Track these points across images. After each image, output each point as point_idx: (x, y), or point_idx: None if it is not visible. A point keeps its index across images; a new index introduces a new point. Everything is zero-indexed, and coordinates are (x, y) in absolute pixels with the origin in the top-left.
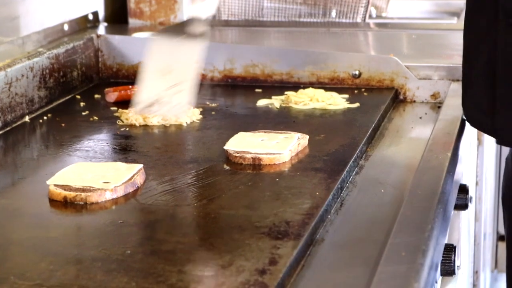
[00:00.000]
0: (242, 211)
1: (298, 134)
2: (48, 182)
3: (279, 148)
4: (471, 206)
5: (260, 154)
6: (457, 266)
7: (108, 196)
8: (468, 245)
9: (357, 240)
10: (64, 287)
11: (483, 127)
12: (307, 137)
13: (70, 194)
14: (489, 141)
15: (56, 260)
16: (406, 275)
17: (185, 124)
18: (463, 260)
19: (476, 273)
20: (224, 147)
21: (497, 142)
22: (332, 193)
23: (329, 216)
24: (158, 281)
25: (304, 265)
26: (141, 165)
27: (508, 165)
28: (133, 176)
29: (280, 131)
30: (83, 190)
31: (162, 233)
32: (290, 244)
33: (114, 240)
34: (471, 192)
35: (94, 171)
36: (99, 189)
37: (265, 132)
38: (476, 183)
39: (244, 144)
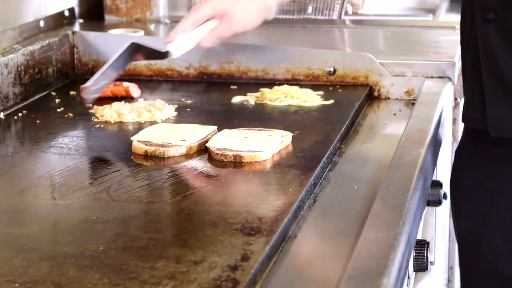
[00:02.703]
0: (216, 208)
1: (282, 132)
2: (132, 138)
3: (261, 145)
4: (446, 202)
5: (241, 151)
6: (430, 262)
7: (183, 151)
8: (443, 241)
9: (329, 236)
10: (37, 283)
11: (477, 124)
12: (291, 134)
13: (150, 149)
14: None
15: (29, 257)
16: (376, 270)
17: (159, 121)
18: (437, 256)
19: (451, 268)
20: (207, 144)
21: (492, 135)
22: (305, 190)
23: (302, 212)
24: (131, 277)
25: (276, 261)
26: (215, 127)
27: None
28: (207, 135)
29: (264, 129)
30: (162, 145)
31: (135, 229)
32: (263, 240)
33: (87, 236)
34: (445, 188)
35: (174, 130)
36: (175, 145)
37: (249, 129)
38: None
39: (227, 141)
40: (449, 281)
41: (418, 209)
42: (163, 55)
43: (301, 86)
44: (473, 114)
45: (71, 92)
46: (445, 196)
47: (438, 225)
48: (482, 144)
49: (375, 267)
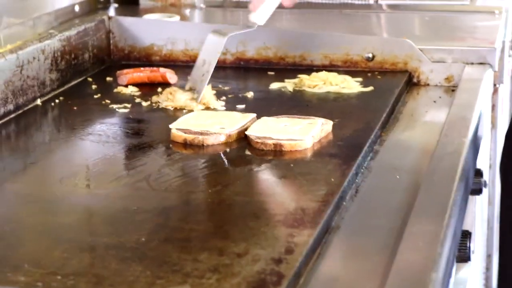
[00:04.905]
0: (257, 198)
1: (322, 120)
2: (170, 126)
3: (301, 134)
4: (485, 190)
5: (281, 140)
6: (472, 251)
7: (223, 139)
8: (482, 229)
9: (373, 228)
10: (79, 275)
11: None
12: (331, 122)
13: (190, 137)
14: (503, 124)
15: (70, 248)
16: (424, 264)
17: (198, 108)
18: (477, 244)
19: (489, 257)
20: (246, 133)
21: None
22: (347, 180)
23: (344, 203)
24: (173, 270)
25: (320, 254)
26: (254, 114)
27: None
28: (246, 123)
29: (304, 117)
30: (201, 133)
31: (176, 220)
32: (306, 232)
33: (128, 227)
34: (485, 176)
35: (212, 118)
36: (215, 133)
37: (288, 117)
38: (490, 167)
39: (266, 129)
40: (487, 269)
41: (463, 200)
42: (250, 28)
43: (339, 72)
44: None
45: (108, 78)
46: (485, 184)
47: (477, 214)
48: None
49: (423, 261)
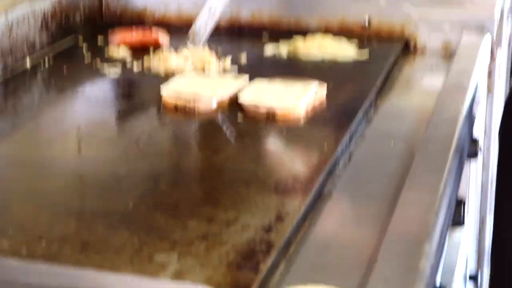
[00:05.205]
0: (248, 165)
1: (316, 84)
2: (161, 90)
3: (295, 99)
4: (480, 155)
5: (274, 106)
6: (466, 213)
7: (214, 103)
8: (475, 192)
9: (366, 196)
10: (64, 240)
11: None
12: (325, 87)
13: (181, 101)
14: (499, 90)
15: (57, 212)
16: (418, 234)
17: (190, 72)
18: (470, 207)
19: (482, 220)
20: (238, 100)
21: None
22: (340, 146)
23: (337, 171)
24: (161, 237)
25: (311, 222)
26: (247, 77)
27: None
28: (239, 87)
29: (297, 80)
30: (192, 98)
31: (165, 186)
32: (297, 199)
33: (116, 192)
34: (480, 141)
35: (204, 82)
36: (206, 97)
37: (282, 80)
38: (485, 132)
39: (259, 94)
40: (480, 231)
41: (459, 168)
42: None
43: (335, 37)
44: None
45: (99, 40)
46: (480, 150)
47: (472, 179)
48: None
49: (417, 231)
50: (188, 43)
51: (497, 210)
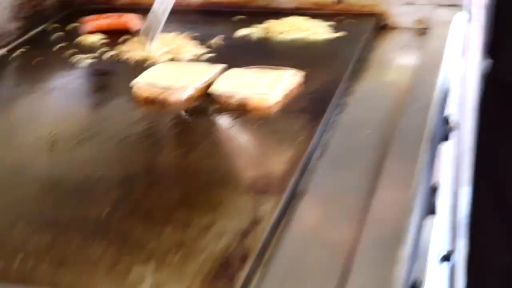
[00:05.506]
0: (223, 162)
1: (292, 71)
2: (133, 81)
3: (269, 87)
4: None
5: (247, 95)
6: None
7: (188, 94)
8: (450, 162)
9: (341, 191)
10: (41, 255)
11: None
12: (300, 74)
13: (153, 92)
14: (472, 65)
15: (32, 222)
16: (394, 229)
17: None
18: (443, 190)
19: (455, 191)
20: (209, 89)
21: None
22: (315, 139)
23: (313, 164)
24: (138, 246)
25: (287, 222)
26: (223, 65)
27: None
28: (214, 76)
29: (273, 67)
30: (166, 88)
31: (140, 189)
32: (272, 200)
33: (91, 197)
34: (455, 116)
35: (178, 71)
36: (180, 88)
37: (257, 68)
38: (459, 106)
39: (233, 83)
40: (455, 201)
41: (432, 155)
42: None
43: (307, 15)
44: None
45: (72, 25)
46: (456, 126)
47: (445, 161)
48: None
49: (391, 234)
50: (142, 38)
51: (475, 186)
